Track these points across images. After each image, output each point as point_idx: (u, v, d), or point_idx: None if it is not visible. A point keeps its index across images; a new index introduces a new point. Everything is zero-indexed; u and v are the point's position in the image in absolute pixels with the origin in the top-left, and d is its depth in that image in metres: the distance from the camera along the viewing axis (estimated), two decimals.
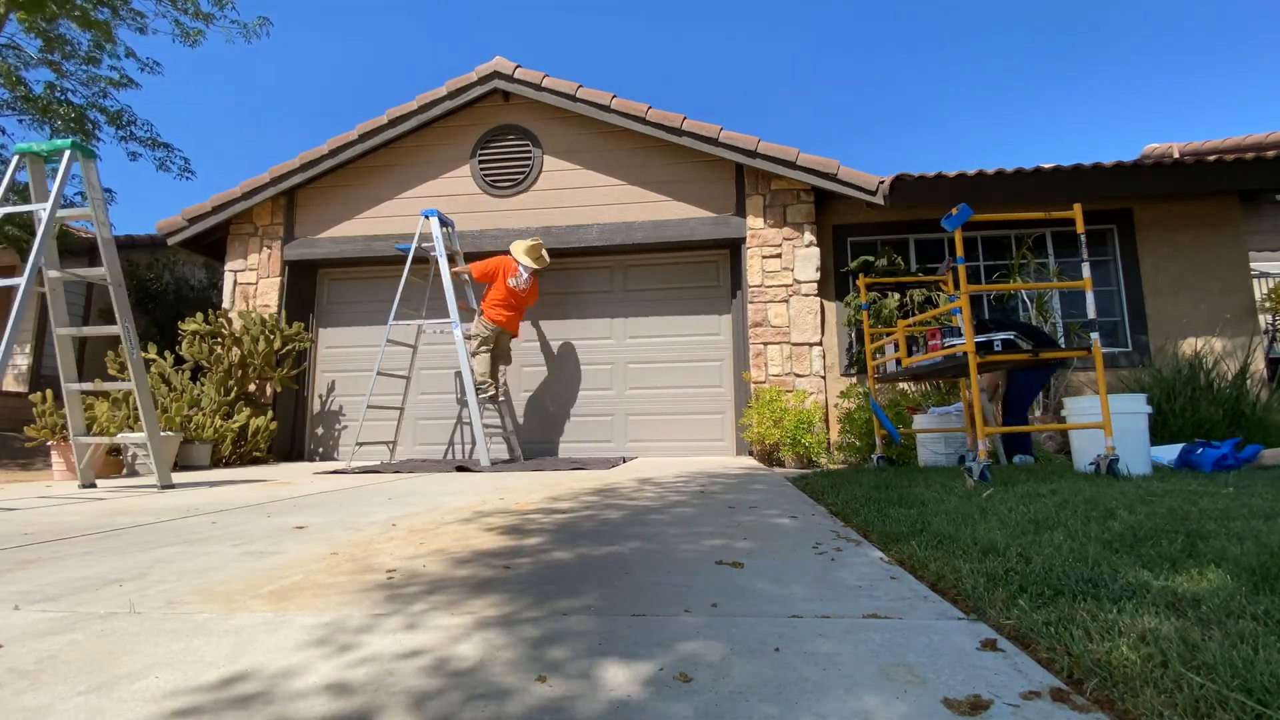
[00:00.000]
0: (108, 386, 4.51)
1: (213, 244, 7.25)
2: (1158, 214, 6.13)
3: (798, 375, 6.08)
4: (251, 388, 6.44)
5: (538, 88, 6.52)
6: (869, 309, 5.94)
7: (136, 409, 5.62)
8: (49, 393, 5.36)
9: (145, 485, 4.36)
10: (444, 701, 0.92)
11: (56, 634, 1.24)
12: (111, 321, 4.24)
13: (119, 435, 4.99)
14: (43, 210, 3.90)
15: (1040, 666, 1.02)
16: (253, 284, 6.93)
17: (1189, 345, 5.86)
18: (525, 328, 6.85)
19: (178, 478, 5.03)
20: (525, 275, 5.97)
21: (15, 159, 4.00)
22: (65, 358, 4.15)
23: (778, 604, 1.38)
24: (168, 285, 8.92)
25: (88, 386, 4.31)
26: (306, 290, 7.08)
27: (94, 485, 4.30)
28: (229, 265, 7.02)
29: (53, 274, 4.09)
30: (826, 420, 5.98)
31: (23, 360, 8.58)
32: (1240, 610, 1.19)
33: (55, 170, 4.10)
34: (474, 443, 6.15)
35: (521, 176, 6.74)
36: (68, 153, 3.95)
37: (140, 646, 1.17)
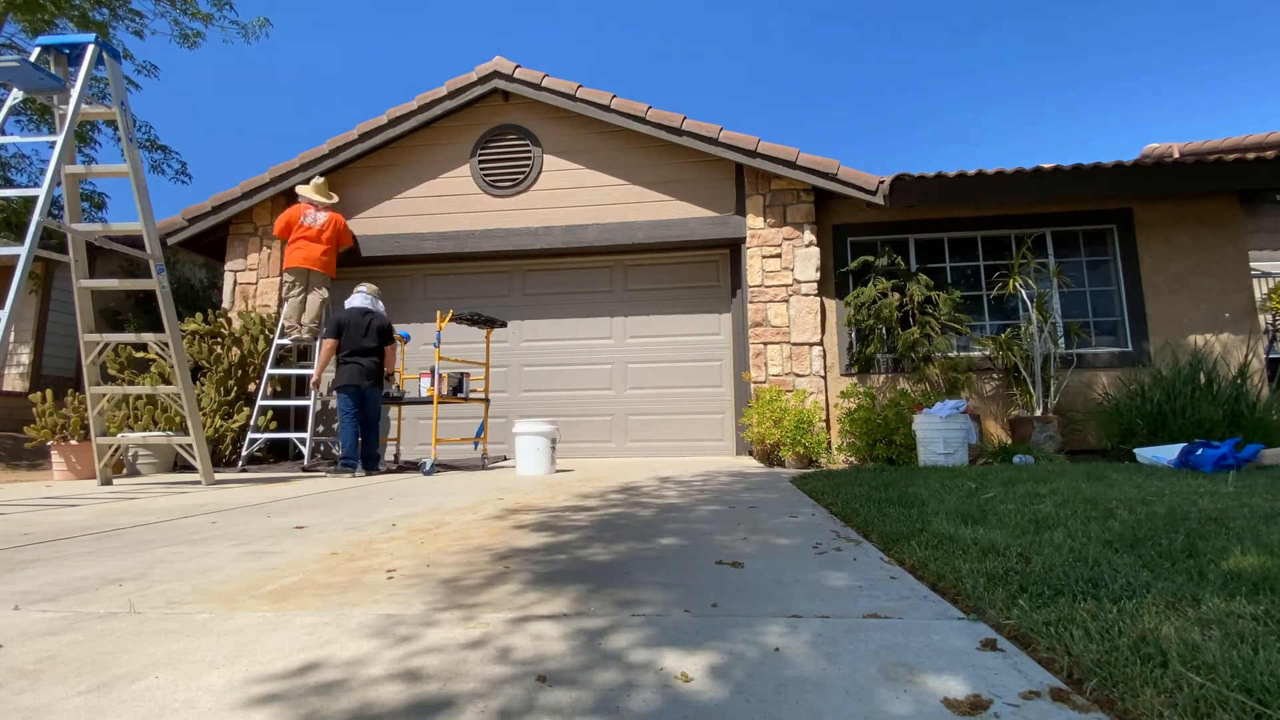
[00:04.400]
0: (131, 390, 4.52)
1: (213, 244, 7.25)
2: (1158, 214, 6.13)
3: (798, 375, 6.08)
4: (251, 387, 6.44)
5: (537, 87, 6.52)
6: (871, 309, 5.94)
7: (135, 409, 5.63)
8: (49, 393, 5.36)
9: (189, 482, 4.36)
10: (436, 693, 0.93)
11: (56, 634, 1.24)
12: (115, 322, 4.21)
13: (141, 434, 5.04)
14: (64, 106, 3.69)
15: (1040, 666, 1.02)
16: (252, 284, 6.93)
17: (1189, 345, 5.86)
18: (525, 327, 6.86)
19: (181, 477, 5.03)
20: (318, 213, 6.28)
21: (37, 50, 3.79)
22: (90, 363, 4.13)
23: (777, 604, 1.38)
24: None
25: (110, 390, 4.32)
26: None
27: (110, 483, 4.32)
28: (229, 265, 7.01)
29: (78, 227, 3.87)
30: (827, 420, 5.98)
31: (25, 357, 8.58)
32: (1240, 610, 1.19)
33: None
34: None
35: (521, 176, 6.74)
36: (90, 49, 3.79)
37: (140, 646, 1.17)
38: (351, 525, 2.49)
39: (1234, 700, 0.85)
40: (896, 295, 6.02)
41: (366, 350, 5.21)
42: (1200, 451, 3.82)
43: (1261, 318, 6.68)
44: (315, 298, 6.27)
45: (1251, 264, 6.37)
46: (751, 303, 6.23)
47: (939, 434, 4.83)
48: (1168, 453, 4.09)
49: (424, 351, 6.85)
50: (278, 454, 6.64)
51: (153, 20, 9.66)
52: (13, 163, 9.65)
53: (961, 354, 6.05)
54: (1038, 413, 5.60)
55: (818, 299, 6.16)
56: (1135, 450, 4.49)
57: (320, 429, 6.89)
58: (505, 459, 6.37)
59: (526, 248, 6.61)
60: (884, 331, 6.11)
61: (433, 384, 5.41)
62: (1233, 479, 3.14)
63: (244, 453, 5.76)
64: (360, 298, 5.43)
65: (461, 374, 5.72)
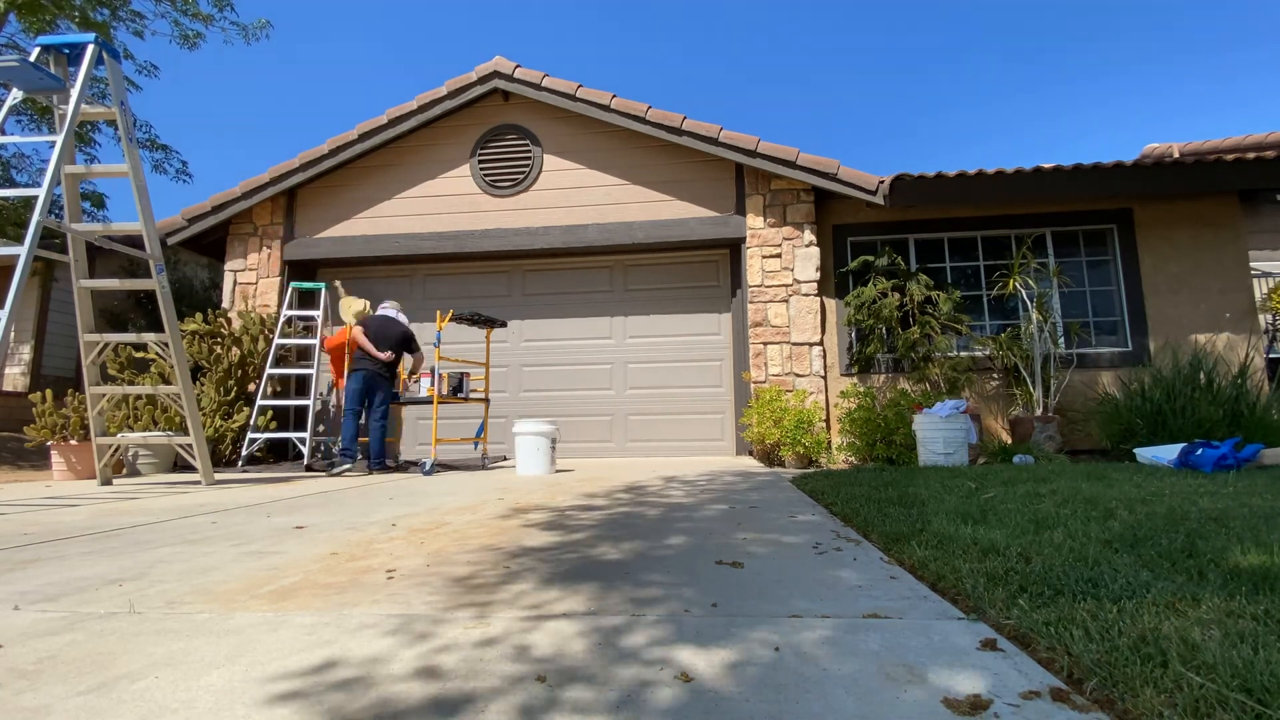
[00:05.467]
0: (131, 390, 4.52)
1: (213, 244, 7.25)
2: (1158, 214, 6.13)
3: (798, 375, 6.08)
4: (251, 387, 6.44)
5: (537, 87, 6.52)
6: (871, 308, 5.94)
7: (135, 410, 5.63)
8: (49, 393, 5.36)
9: (189, 482, 4.37)
10: (435, 690, 0.93)
11: (56, 634, 1.24)
12: (114, 322, 4.19)
13: (141, 434, 5.06)
14: (64, 106, 3.70)
15: (1040, 666, 1.02)
16: (252, 284, 6.93)
17: (1189, 345, 5.86)
18: (525, 327, 6.88)
19: (181, 477, 5.03)
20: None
21: (37, 50, 3.79)
22: (89, 363, 4.13)
23: (778, 603, 1.37)
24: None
25: (110, 390, 4.32)
26: (306, 300, 7.07)
27: (110, 483, 4.32)
28: (229, 265, 7.02)
29: (78, 227, 3.86)
30: (827, 420, 5.98)
31: (25, 357, 8.58)
32: (1240, 610, 1.19)
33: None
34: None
35: (521, 176, 6.74)
36: (90, 49, 3.79)
37: (140, 646, 1.17)
38: (351, 525, 2.49)
39: (1234, 700, 0.85)
40: (896, 295, 6.01)
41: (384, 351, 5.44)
42: (1200, 451, 3.82)
43: (1261, 318, 6.68)
44: None
45: (1251, 264, 6.37)
46: (751, 303, 6.23)
47: (939, 434, 4.83)
48: (1168, 453, 4.09)
49: (424, 352, 6.85)
50: (278, 454, 6.64)
51: (153, 21, 9.68)
52: (13, 162, 9.66)
53: (962, 354, 6.06)
54: (1038, 413, 5.60)
55: (818, 299, 6.16)
56: (1135, 450, 4.49)
57: (321, 428, 6.89)
58: (505, 459, 6.37)
59: (526, 248, 6.61)
60: (884, 331, 6.11)
61: (433, 384, 5.45)
62: (1233, 479, 3.14)
63: (244, 452, 5.77)
64: (388, 308, 5.71)
65: (461, 374, 5.75)
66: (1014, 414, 5.82)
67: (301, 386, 6.86)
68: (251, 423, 5.91)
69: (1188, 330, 5.94)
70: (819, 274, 6.18)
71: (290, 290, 6.64)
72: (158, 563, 1.86)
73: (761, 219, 6.33)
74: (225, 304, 6.92)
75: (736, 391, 6.36)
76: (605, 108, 6.37)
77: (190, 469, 5.60)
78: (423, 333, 6.89)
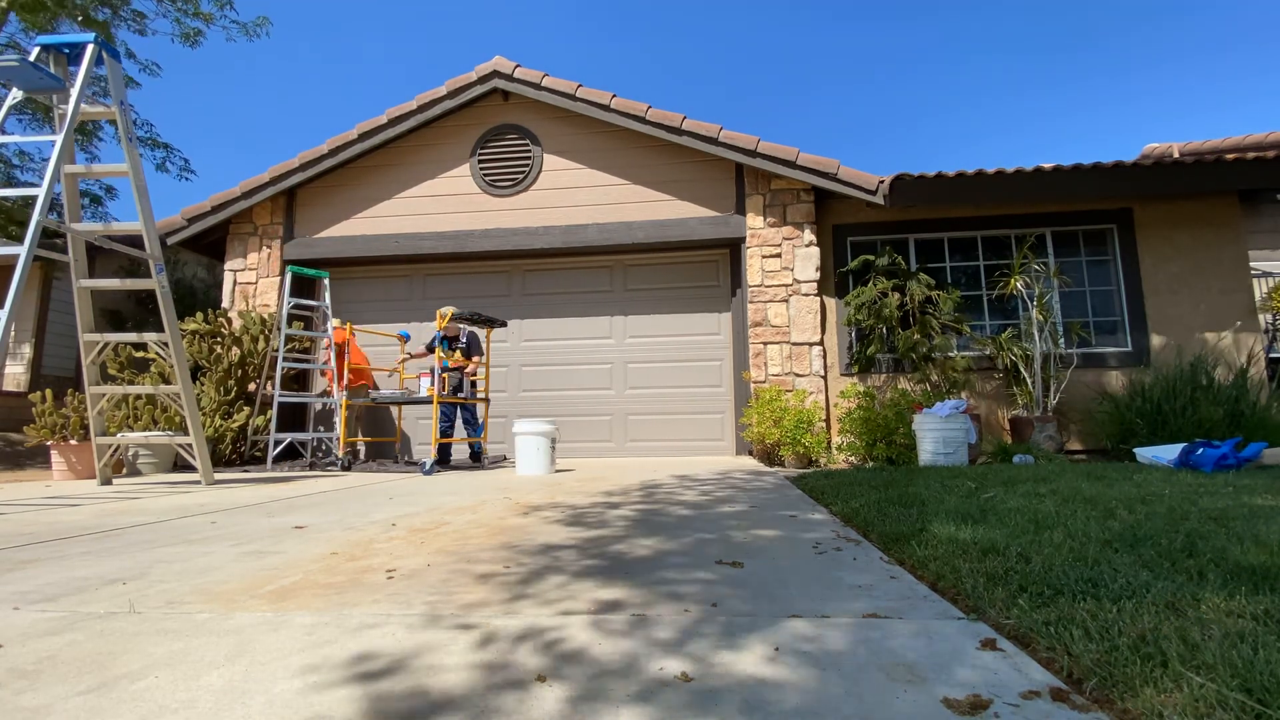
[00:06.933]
0: (131, 390, 4.51)
1: (213, 244, 7.25)
2: (1158, 214, 6.12)
3: (798, 375, 6.08)
4: (251, 387, 6.44)
5: (537, 87, 6.52)
6: (871, 308, 5.94)
7: (135, 409, 5.63)
8: (48, 393, 5.35)
9: (189, 482, 4.37)
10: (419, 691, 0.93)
11: (56, 634, 1.24)
12: (114, 322, 4.19)
13: (141, 434, 5.06)
14: (64, 106, 3.71)
15: (1040, 666, 1.02)
16: (252, 283, 6.93)
17: (1189, 345, 5.86)
18: (525, 327, 6.89)
19: (181, 477, 5.03)
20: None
21: (36, 50, 3.80)
22: (89, 363, 4.13)
23: (778, 603, 1.37)
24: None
25: (110, 389, 4.31)
26: (306, 290, 7.07)
27: (110, 483, 4.31)
28: (228, 265, 7.02)
29: (78, 227, 3.88)
30: (827, 420, 5.98)
31: (25, 356, 8.58)
32: (1240, 610, 1.19)
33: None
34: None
35: (521, 176, 6.74)
36: (90, 48, 3.80)
37: (140, 646, 1.17)
38: (351, 525, 2.49)
39: (1234, 700, 0.85)
40: (897, 295, 6.01)
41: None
42: (1200, 451, 3.82)
43: (1261, 317, 6.68)
44: None
45: (1251, 264, 6.37)
46: (751, 302, 6.23)
47: (939, 433, 4.83)
48: (1168, 452, 4.09)
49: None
50: (285, 454, 6.64)
51: (154, 20, 9.69)
52: (16, 161, 9.67)
53: (962, 354, 6.05)
54: (1038, 412, 5.60)
55: (818, 299, 6.16)
56: (1135, 450, 4.49)
57: (320, 428, 6.89)
58: (505, 459, 6.37)
59: (526, 247, 6.61)
60: (884, 331, 6.11)
61: (433, 384, 5.45)
62: (1233, 478, 3.14)
63: (271, 453, 5.87)
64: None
65: (461, 373, 5.76)
66: (1014, 414, 5.82)
67: (304, 384, 6.87)
68: (273, 426, 5.97)
69: (1188, 330, 5.94)
70: (819, 274, 6.18)
71: (287, 275, 6.35)
72: (157, 563, 1.86)
73: (761, 219, 6.33)
74: (225, 304, 6.92)
75: (736, 391, 6.36)
76: (605, 107, 6.37)
77: (190, 469, 5.60)
78: (423, 332, 6.90)
